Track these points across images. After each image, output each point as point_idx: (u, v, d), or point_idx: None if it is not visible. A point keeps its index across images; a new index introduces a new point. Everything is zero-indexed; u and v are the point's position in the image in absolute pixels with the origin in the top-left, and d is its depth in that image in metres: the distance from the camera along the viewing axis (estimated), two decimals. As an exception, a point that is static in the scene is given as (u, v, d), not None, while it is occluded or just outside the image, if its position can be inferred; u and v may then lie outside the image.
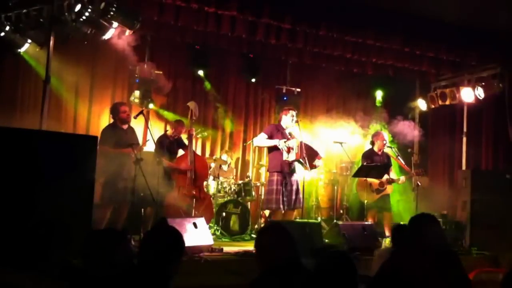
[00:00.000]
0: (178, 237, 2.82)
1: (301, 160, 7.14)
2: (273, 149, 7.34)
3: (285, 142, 7.21)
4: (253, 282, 2.89)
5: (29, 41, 7.15)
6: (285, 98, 9.82)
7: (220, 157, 9.15)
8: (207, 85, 9.53)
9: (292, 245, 2.98)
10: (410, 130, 9.66)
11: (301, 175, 7.45)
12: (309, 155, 7.23)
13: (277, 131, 7.43)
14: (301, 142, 7.20)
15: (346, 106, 10.74)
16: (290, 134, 7.44)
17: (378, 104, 10.65)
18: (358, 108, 10.70)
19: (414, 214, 8.09)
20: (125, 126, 6.94)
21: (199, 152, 9.61)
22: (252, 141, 8.41)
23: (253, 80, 9.87)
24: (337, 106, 10.71)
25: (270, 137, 7.38)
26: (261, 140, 7.49)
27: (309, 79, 10.23)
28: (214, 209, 7.91)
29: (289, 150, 7.18)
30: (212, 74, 9.57)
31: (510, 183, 7.93)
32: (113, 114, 7.00)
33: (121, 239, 2.83)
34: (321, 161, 7.58)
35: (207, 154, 9.62)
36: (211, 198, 8.10)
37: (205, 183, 8.60)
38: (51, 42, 6.57)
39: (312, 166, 7.38)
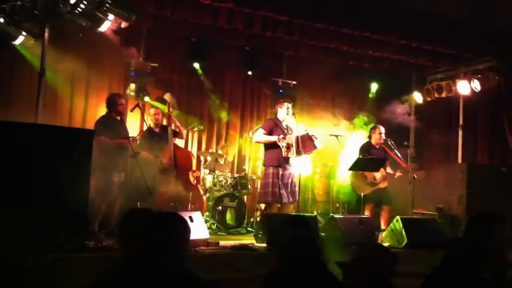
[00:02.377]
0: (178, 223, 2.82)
1: (298, 155, 7.17)
2: (271, 144, 7.34)
3: (283, 138, 7.21)
4: (271, 273, 2.88)
5: (24, 33, 7.09)
6: (281, 91, 9.80)
7: (217, 151, 9.12)
8: (202, 77, 9.47)
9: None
10: (402, 113, 9.68)
11: (297, 169, 7.43)
12: (307, 146, 7.26)
13: (276, 126, 7.43)
14: (297, 137, 7.20)
15: (342, 99, 10.73)
16: (287, 128, 7.43)
17: (371, 96, 10.64)
18: (355, 101, 10.72)
19: (410, 207, 8.17)
20: (119, 118, 6.91)
21: (195, 145, 9.61)
22: (251, 136, 8.37)
23: (250, 73, 9.84)
24: (334, 98, 10.70)
25: (269, 132, 7.37)
26: (260, 136, 7.49)
27: (305, 72, 10.20)
28: (204, 199, 7.86)
29: (288, 146, 7.18)
30: (209, 67, 9.53)
31: (506, 176, 7.94)
32: (109, 105, 6.89)
33: None
34: (319, 143, 7.52)
35: (203, 148, 9.60)
36: (204, 189, 8.11)
37: (201, 176, 8.60)
38: (46, 35, 6.53)
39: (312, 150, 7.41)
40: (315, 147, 7.32)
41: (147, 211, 3.04)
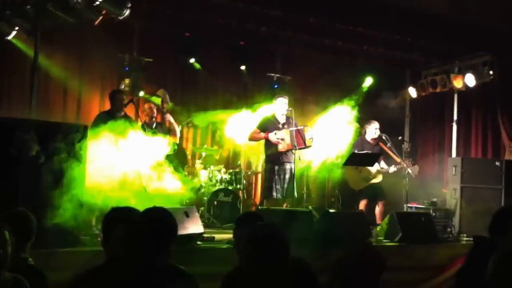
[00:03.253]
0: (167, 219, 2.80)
1: (292, 149, 7.21)
2: (268, 140, 7.40)
3: (275, 134, 7.26)
4: (230, 273, 2.86)
5: (17, 28, 7.06)
6: (275, 86, 9.80)
7: (211, 147, 9.10)
8: (200, 71, 9.43)
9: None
10: (396, 108, 9.74)
11: (294, 164, 7.46)
12: (299, 141, 7.30)
13: (270, 122, 7.46)
14: (291, 131, 7.23)
15: (336, 94, 10.72)
16: (285, 123, 7.46)
17: (364, 90, 10.63)
18: (349, 97, 10.71)
19: (404, 201, 8.20)
20: (120, 114, 6.95)
21: (190, 140, 9.58)
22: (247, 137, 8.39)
23: (244, 68, 9.81)
24: (328, 94, 10.69)
25: (263, 130, 7.42)
26: (253, 135, 7.57)
27: (300, 67, 10.19)
28: (198, 194, 7.89)
29: (279, 141, 7.23)
30: (202, 62, 9.48)
31: (500, 170, 7.96)
32: (109, 100, 7.14)
33: None
34: (311, 133, 7.53)
35: (198, 143, 9.58)
36: (199, 184, 8.15)
37: (195, 171, 8.60)
38: (39, 30, 6.50)
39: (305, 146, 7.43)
40: (304, 145, 7.35)
41: (129, 209, 3.02)
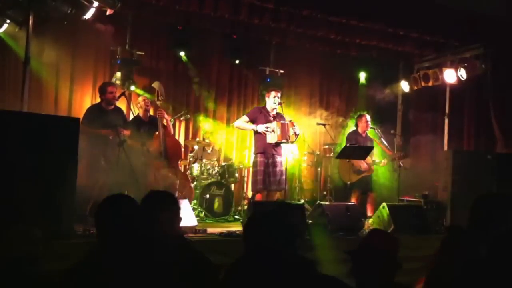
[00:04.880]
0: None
1: (283, 141, 7.23)
2: (257, 132, 7.40)
3: (266, 127, 7.27)
4: (234, 263, 2.88)
5: (8, 21, 7.02)
6: (268, 80, 9.79)
7: (204, 140, 9.09)
8: (189, 65, 9.40)
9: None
10: (388, 101, 9.78)
11: (284, 156, 7.48)
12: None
13: (260, 114, 7.46)
14: (282, 123, 7.24)
15: (330, 87, 10.75)
16: (277, 116, 7.46)
17: (361, 85, 10.67)
18: (342, 90, 10.75)
19: (396, 194, 8.23)
20: (111, 107, 6.92)
21: (182, 134, 9.57)
22: (234, 123, 8.39)
23: (237, 61, 9.79)
24: (321, 87, 10.71)
25: (253, 120, 7.43)
26: (241, 123, 7.61)
27: (293, 61, 10.19)
28: (193, 187, 7.89)
29: (267, 131, 7.25)
30: (195, 55, 9.45)
31: (491, 164, 8.00)
32: (100, 93, 7.02)
33: None
34: (297, 128, 7.55)
35: (190, 137, 9.57)
36: (191, 178, 8.15)
37: (188, 164, 8.60)
38: (30, 22, 6.47)
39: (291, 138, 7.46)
40: (288, 139, 7.37)
41: (125, 197, 3.00)
